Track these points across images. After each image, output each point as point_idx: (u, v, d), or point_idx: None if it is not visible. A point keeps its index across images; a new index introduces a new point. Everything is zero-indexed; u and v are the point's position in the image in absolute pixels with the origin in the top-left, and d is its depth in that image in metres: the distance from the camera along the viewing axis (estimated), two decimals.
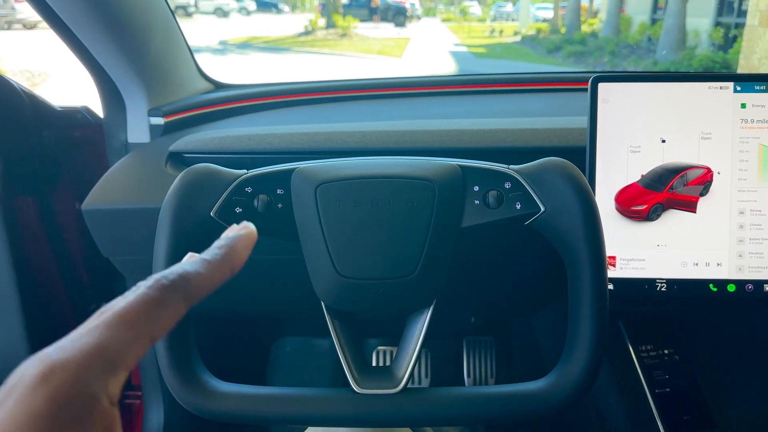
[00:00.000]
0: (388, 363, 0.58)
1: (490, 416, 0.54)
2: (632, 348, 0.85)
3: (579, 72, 1.24)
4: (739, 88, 0.76)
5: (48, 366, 0.21)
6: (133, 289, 0.26)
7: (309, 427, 0.68)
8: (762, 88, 0.75)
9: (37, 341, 1.00)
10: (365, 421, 0.55)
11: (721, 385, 0.83)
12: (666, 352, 0.85)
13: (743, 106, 0.76)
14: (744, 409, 0.82)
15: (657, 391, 0.81)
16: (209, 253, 0.29)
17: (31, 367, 0.22)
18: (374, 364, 1.33)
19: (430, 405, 0.54)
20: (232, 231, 0.31)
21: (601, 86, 0.76)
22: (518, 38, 15.75)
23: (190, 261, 0.28)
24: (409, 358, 0.56)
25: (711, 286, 0.78)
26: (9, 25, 11.41)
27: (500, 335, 1.37)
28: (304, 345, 1.41)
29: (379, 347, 1.35)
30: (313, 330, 1.40)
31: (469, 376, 1.32)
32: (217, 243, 0.30)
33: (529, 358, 1.33)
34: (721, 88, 0.76)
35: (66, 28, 0.86)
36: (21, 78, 6.55)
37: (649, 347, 0.85)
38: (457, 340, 1.36)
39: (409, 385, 0.55)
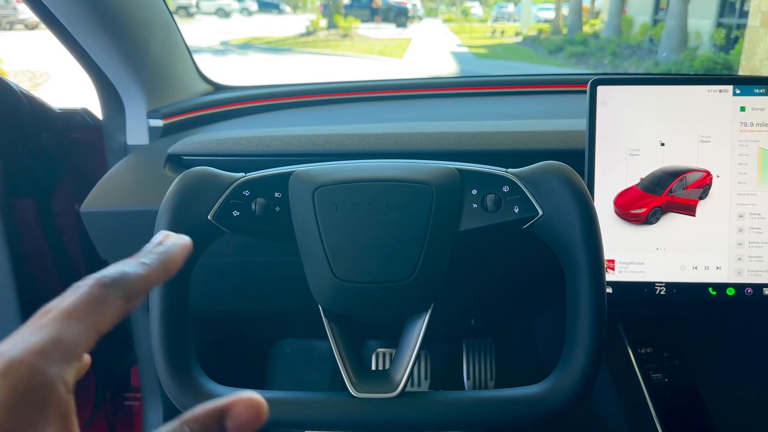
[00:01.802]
0: (387, 365, 0.58)
1: (489, 420, 0.54)
2: (631, 351, 0.85)
3: (578, 74, 1.24)
4: (738, 91, 0.75)
5: (6, 360, 0.23)
6: (74, 287, 0.27)
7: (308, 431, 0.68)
8: (761, 91, 0.75)
9: None
10: (363, 426, 0.55)
11: (720, 388, 0.83)
12: (665, 355, 0.85)
13: (743, 109, 0.75)
14: (743, 412, 0.82)
15: (656, 394, 0.81)
16: (146, 257, 0.31)
17: None
18: (374, 366, 1.33)
19: (427, 409, 0.54)
20: (171, 239, 0.33)
21: (600, 89, 0.76)
22: (520, 39, 15.75)
23: (128, 262, 0.30)
24: (407, 362, 0.56)
25: (710, 289, 0.77)
26: (11, 26, 11.43)
27: (500, 338, 1.37)
28: (304, 347, 1.41)
29: (379, 349, 1.35)
30: (312, 332, 1.39)
31: (468, 378, 1.32)
32: (152, 247, 0.32)
33: (529, 361, 1.32)
34: (720, 91, 0.76)
35: (64, 30, 0.86)
36: (22, 79, 6.56)
37: (648, 350, 0.85)
38: (457, 342, 1.36)
39: (409, 388, 0.55)
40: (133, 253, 0.32)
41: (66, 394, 0.24)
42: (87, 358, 0.33)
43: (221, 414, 0.26)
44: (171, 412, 1.09)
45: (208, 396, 0.53)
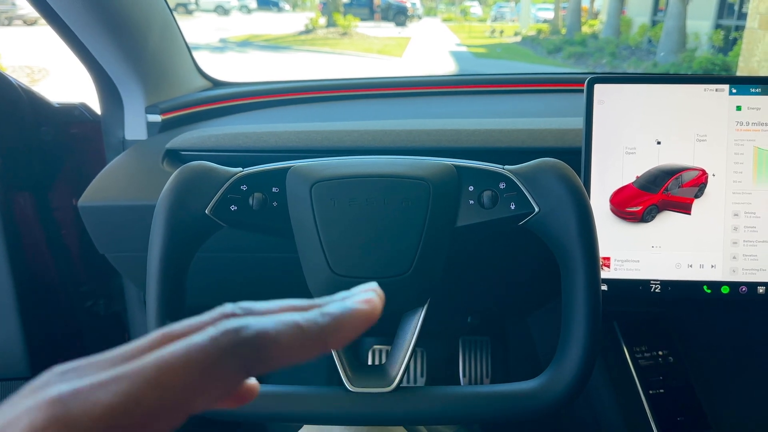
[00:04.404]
0: (384, 362, 0.59)
1: (483, 415, 0.54)
2: (627, 349, 0.86)
3: (576, 73, 1.24)
4: (734, 91, 0.76)
5: (55, 416, 0.17)
6: (201, 323, 0.20)
7: (304, 426, 0.68)
8: (757, 90, 0.76)
9: (34, 338, 1.00)
10: (359, 420, 0.55)
11: (715, 386, 0.83)
12: (660, 353, 0.85)
13: (738, 108, 0.76)
14: (737, 410, 0.83)
15: (651, 392, 0.81)
16: (307, 319, 0.21)
17: (35, 408, 0.17)
18: (370, 362, 1.33)
19: (423, 404, 0.54)
20: (358, 297, 0.23)
21: (597, 87, 0.76)
22: (519, 39, 15.76)
23: (280, 320, 0.21)
24: (403, 356, 0.56)
25: (705, 287, 0.78)
26: (9, 21, 11.40)
27: (496, 335, 1.37)
28: None
29: (375, 346, 1.35)
30: None
31: (464, 375, 1.33)
32: (324, 307, 0.22)
33: (525, 358, 1.33)
34: (716, 90, 0.76)
35: (63, 25, 0.86)
36: (21, 74, 6.55)
37: (643, 348, 0.86)
38: (453, 339, 1.36)
39: (404, 384, 0.55)
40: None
41: None
42: None
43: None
44: None
45: None
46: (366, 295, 0.23)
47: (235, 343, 0.19)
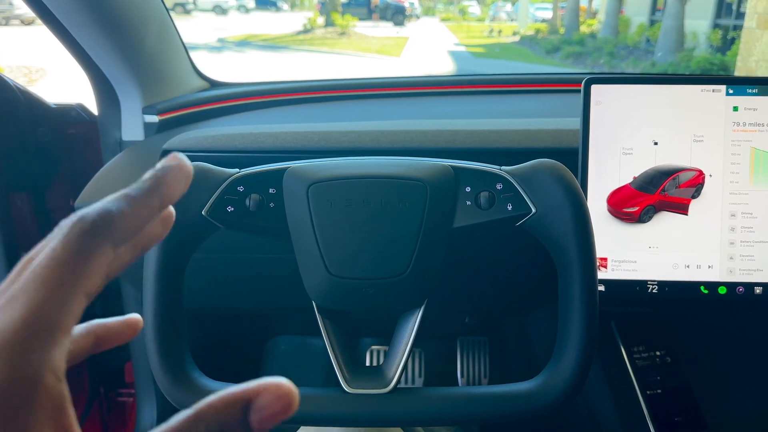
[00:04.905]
0: (381, 362, 0.59)
1: (481, 416, 0.54)
2: (624, 349, 0.86)
3: (573, 73, 1.24)
4: (731, 91, 0.76)
5: None
6: (51, 236, 0.22)
7: (302, 427, 0.68)
8: (754, 91, 0.76)
9: None
10: (356, 421, 0.55)
11: (712, 386, 0.84)
12: (658, 353, 0.85)
13: (735, 108, 0.76)
14: (734, 410, 0.83)
15: (648, 392, 0.81)
16: (133, 188, 0.24)
17: None
18: (368, 363, 1.33)
19: (420, 405, 0.54)
20: (163, 163, 0.26)
21: (594, 88, 0.76)
22: (517, 38, 15.76)
23: (112, 198, 0.24)
24: (400, 357, 0.56)
25: (702, 288, 0.78)
26: (7, 21, 11.39)
27: (494, 335, 1.37)
28: (298, 344, 1.41)
29: (373, 347, 1.35)
30: (307, 329, 1.40)
31: (462, 376, 1.33)
32: (143, 176, 0.26)
33: (523, 359, 1.33)
34: (713, 90, 0.76)
35: (59, 25, 0.86)
36: (18, 74, 6.54)
37: (640, 348, 0.86)
38: (451, 340, 1.36)
39: (402, 385, 0.55)
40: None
41: (56, 383, 0.20)
42: (82, 330, 0.29)
43: (244, 404, 0.21)
44: (165, 408, 1.09)
45: (202, 392, 0.53)
46: (170, 156, 0.26)
47: (84, 230, 0.22)
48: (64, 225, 0.22)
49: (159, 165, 0.26)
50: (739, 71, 5.56)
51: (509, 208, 0.55)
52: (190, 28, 15.32)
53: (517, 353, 1.35)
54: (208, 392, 0.53)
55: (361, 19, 18.92)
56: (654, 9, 11.90)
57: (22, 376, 0.19)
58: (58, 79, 5.79)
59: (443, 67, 10.55)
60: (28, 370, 0.19)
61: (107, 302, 1.14)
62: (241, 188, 0.55)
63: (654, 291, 0.78)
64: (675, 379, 0.83)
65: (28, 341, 0.19)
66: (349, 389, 0.55)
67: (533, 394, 0.54)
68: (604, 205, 0.78)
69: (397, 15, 19.89)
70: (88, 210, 0.23)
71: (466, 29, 19.45)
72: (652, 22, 11.59)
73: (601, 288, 0.78)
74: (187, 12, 19.68)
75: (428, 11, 28.73)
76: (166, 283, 0.54)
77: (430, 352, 1.35)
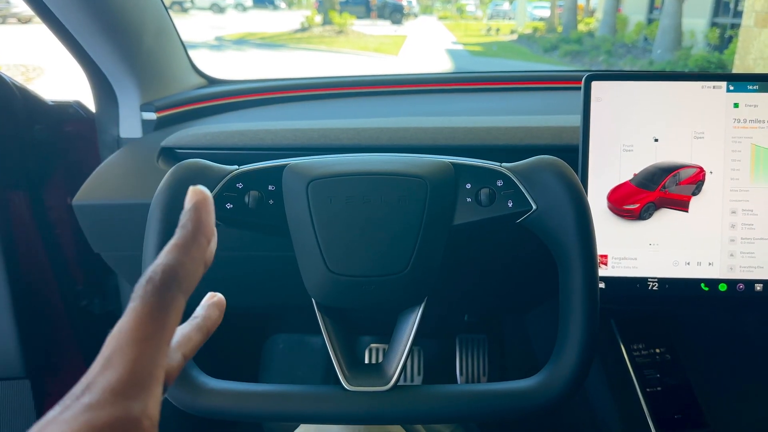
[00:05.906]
0: (381, 360, 0.58)
1: (480, 414, 0.54)
2: (624, 347, 0.86)
3: (573, 71, 1.24)
4: (731, 88, 0.76)
5: (86, 408, 0.22)
6: (131, 305, 0.25)
7: (301, 425, 0.68)
8: (755, 87, 0.75)
9: (29, 337, 0.99)
10: (355, 419, 0.55)
11: (712, 384, 0.83)
12: (658, 351, 0.85)
13: (736, 105, 0.76)
14: (735, 408, 0.83)
15: (648, 389, 0.81)
16: (179, 236, 0.27)
17: (70, 419, 0.22)
18: (367, 361, 1.33)
19: (420, 402, 0.54)
20: (187, 204, 0.29)
21: (595, 85, 0.76)
22: (515, 37, 15.77)
23: (165, 252, 0.27)
24: (400, 355, 0.56)
25: (702, 285, 0.78)
26: (4, 19, 11.35)
27: (493, 333, 1.37)
28: (298, 342, 1.41)
29: (372, 344, 1.35)
30: (306, 327, 1.39)
31: (461, 374, 1.33)
32: (180, 221, 0.28)
33: (522, 356, 1.33)
34: (714, 87, 0.76)
35: (57, 22, 0.86)
36: (16, 72, 6.51)
37: (640, 346, 0.86)
38: (450, 338, 1.36)
39: (401, 383, 0.55)
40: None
41: (151, 429, 0.23)
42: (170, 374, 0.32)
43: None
44: (164, 407, 1.08)
45: (201, 389, 0.53)
46: (191, 193, 0.29)
47: (157, 287, 0.25)
48: (138, 288, 0.25)
49: (188, 205, 0.28)
50: (737, 69, 5.58)
51: (510, 205, 0.55)
52: (188, 27, 15.29)
53: (516, 351, 1.35)
54: (206, 390, 0.53)
55: (358, 17, 18.91)
56: (652, 7, 11.91)
57: (126, 417, 0.22)
58: (56, 77, 5.78)
59: (441, 65, 10.56)
60: (131, 414, 0.23)
61: (105, 301, 1.14)
62: (240, 185, 0.55)
63: (654, 288, 0.78)
64: (675, 377, 0.83)
65: (130, 390, 0.23)
66: (348, 387, 0.54)
67: (534, 391, 0.53)
68: (605, 202, 0.77)
69: (395, 13, 19.89)
70: (153, 269, 0.26)
71: (464, 27, 19.46)
72: (650, 21, 11.60)
73: (602, 285, 0.78)
74: (185, 10, 19.64)
75: (426, 10, 28.75)
76: None
77: (429, 350, 1.35)
